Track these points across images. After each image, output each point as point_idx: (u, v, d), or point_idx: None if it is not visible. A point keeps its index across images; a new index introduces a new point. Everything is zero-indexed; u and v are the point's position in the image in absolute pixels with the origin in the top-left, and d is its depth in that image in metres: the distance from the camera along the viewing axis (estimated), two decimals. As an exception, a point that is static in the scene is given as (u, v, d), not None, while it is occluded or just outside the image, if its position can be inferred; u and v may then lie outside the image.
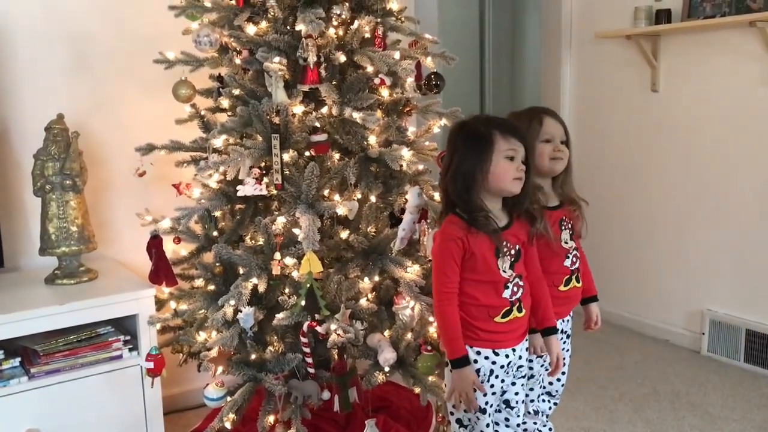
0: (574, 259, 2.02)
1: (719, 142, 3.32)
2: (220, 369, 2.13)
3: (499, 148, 1.74)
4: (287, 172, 2.11)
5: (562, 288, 2.00)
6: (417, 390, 2.17)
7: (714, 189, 3.36)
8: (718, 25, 3.16)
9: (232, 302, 2.04)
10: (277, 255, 2.07)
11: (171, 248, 2.42)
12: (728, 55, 3.23)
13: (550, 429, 2.15)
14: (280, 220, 2.10)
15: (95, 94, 2.64)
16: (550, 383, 2.13)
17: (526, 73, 5.66)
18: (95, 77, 2.64)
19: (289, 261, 2.08)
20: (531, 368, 1.99)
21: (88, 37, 2.61)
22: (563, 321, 2.06)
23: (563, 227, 2.00)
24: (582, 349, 3.24)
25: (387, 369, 2.13)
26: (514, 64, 5.80)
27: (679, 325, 3.57)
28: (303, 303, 2.03)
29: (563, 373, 2.12)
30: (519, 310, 1.81)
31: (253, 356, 2.16)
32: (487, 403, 1.82)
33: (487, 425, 1.84)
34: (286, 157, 2.09)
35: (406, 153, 2.10)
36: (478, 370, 1.79)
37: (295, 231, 2.06)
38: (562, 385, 2.15)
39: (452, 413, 1.93)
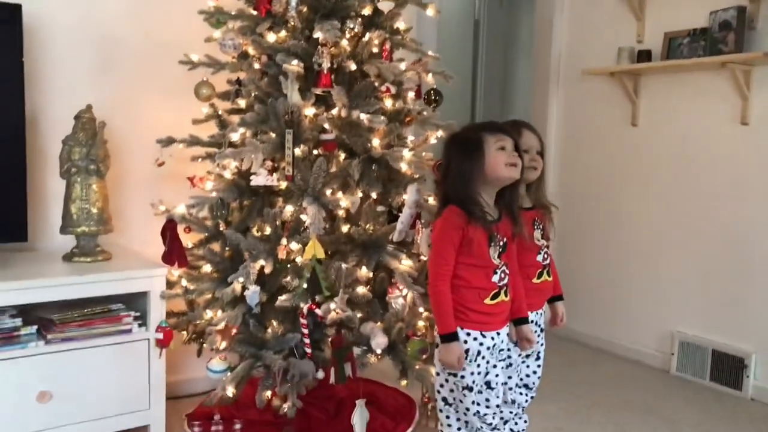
0: (545, 255, 2.23)
1: (691, 175, 3.56)
2: (223, 344, 2.28)
3: (489, 144, 1.95)
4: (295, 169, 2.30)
5: (535, 280, 2.20)
6: (403, 383, 2.35)
7: (685, 218, 3.60)
8: (693, 66, 3.43)
9: (241, 279, 2.21)
10: (284, 240, 2.25)
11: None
12: (702, 94, 3.49)
13: (525, 421, 2.31)
14: (288, 209, 2.28)
15: (121, 91, 2.83)
16: (527, 375, 2.29)
17: (515, 109, 5.93)
18: (122, 76, 2.84)
19: (295, 246, 2.26)
20: (509, 356, 2.16)
21: (117, 40, 2.82)
22: (537, 313, 2.24)
23: (536, 226, 2.21)
24: (556, 366, 3.39)
25: (379, 352, 2.29)
26: (504, 100, 6.07)
27: (650, 347, 3.76)
28: (305, 285, 2.21)
29: (539, 366, 2.30)
30: (505, 294, 2.00)
31: (256, 335, 2.32)
32: (473, 381, 1.99)
33: (472, 402, 2.01)
34: (298, 151, 2.29)
35: (407, 153, 2.30)
36: (467, 351, 1.96)
37: (303, 217, 2.25)
38: (539, 377, 2.31)
39: (439, 391, 2.09)
